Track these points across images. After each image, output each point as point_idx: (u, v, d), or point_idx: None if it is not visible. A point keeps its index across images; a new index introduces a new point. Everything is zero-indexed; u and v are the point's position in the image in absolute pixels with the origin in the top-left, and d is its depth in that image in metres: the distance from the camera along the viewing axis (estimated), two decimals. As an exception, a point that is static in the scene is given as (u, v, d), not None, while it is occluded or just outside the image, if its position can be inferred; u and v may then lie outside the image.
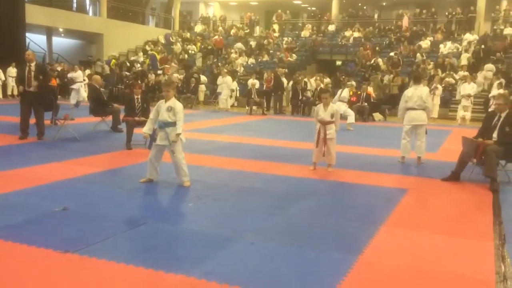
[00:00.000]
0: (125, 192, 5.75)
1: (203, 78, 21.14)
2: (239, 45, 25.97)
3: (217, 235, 4.31)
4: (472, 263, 3.83)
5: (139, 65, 24.01)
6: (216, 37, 27.20)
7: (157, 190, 5.85)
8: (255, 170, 7.24)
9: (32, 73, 9.07)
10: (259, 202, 5.46)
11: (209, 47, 26.29)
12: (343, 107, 13.36)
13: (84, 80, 19.10)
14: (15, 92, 19.85)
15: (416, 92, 8.12)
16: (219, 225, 4.65)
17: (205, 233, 4.45)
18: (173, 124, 5.93)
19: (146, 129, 6.08)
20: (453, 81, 18.59)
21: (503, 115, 6.76)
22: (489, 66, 18.94)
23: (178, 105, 6.00)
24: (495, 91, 14.50)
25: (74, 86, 17.44)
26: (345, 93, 14.62)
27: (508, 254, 3.98)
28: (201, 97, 20.82)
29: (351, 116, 13.64)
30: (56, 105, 9.69)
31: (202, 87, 20.71)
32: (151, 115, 6.14)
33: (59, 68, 21.71)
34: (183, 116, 6.02)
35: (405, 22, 24.95)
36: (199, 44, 27.24)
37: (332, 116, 7.19)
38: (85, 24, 24.85)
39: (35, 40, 25.25)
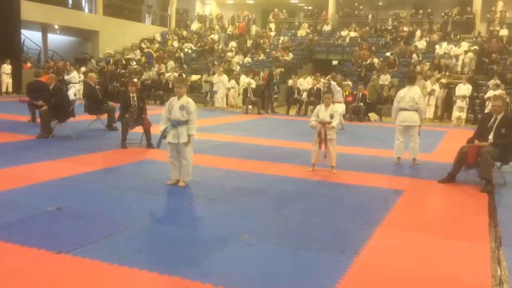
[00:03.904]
0: (120, 192, 5.71)
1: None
2: (233, 43, 25.93)
3: (213, 236, 4.28)
4: (468, 266, 3.82)
5: (134, 62, 23.90)
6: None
7: (152, 190, 5.80)
8: (251, 170, 7.22)
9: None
10: (255, 203, 5.43)
11: (206, 46, 26.24)
12: (342, 108, 12.89)
13: (80, 77, 19.05)
14: (10, 89, 19.79)
15: (408, 93, 8.06)
16: (215, 226, 4.63)
17: (200, 233, 4.43)
18: (185, 122, 5.85)
19: (163, 127, 5.95)
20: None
21: (499, 117, 6.74)
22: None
23: (191, 105, 5.88)
24: (491, 93, 14.52)
25: (70, 91, 17.08)
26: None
27: (504, 257, 3.97)
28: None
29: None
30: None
31: None
32: (164, 113, 5.98)
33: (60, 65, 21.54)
34: (196, 115, 5.95)
35: (405, 27, 24.99)
36: (195, 42, 27.20)
37: (331, 116, 7.14)
38: (81, 21, 24.72)
39: (30, 37, 25.12)
